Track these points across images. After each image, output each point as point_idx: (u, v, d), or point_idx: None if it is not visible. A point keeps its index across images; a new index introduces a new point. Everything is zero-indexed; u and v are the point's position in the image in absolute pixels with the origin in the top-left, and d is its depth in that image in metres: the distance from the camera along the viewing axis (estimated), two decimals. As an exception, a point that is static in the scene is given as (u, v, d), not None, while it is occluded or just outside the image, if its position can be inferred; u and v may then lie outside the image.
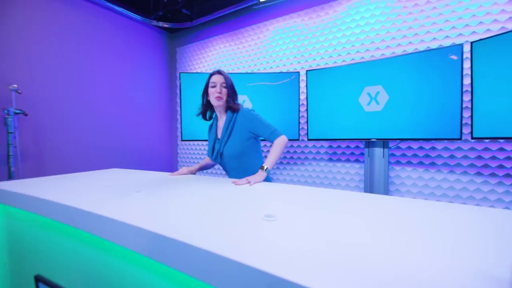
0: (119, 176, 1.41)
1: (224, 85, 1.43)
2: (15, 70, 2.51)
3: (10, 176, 2.29)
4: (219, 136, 1.49)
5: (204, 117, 1.55)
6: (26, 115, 2.41)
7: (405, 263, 0.41)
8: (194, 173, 1.55)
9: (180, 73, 2.72)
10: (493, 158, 2.09)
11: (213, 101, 1.44)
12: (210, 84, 1.43)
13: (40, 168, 2.67)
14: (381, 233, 0.55)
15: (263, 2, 2.75)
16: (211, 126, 1.60)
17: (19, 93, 2.38)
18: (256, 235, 0.54)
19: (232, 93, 1.46)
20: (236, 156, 1.42)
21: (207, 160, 1.66)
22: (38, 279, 0.64)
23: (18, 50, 2.53)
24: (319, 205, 0.81)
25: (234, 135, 1.42)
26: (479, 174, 2.15)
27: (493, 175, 2.09)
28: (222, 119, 1.50)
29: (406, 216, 0.68)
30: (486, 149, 2.11)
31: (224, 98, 1.43)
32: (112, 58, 3.40)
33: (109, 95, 3.35)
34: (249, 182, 1.14)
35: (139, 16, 3.60)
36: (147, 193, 0.95)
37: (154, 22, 3.75)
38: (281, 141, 1.37)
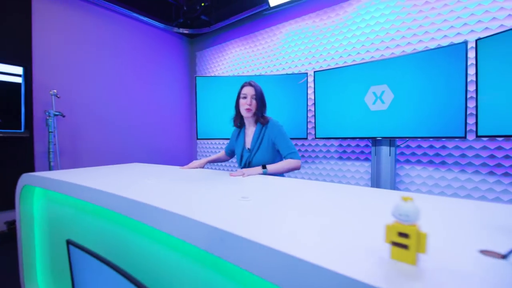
0: (137, 169, 1.62)
1: (254, 97, 1.50)
2: (55, 77, 2.86)
3: (50, 169, 2.63)
4: (248, 145, 1.59)
5: (236, 125, 1.67)
6: (63, 116, 2.75)
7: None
8: (203, 166, 1.71)
9: (196, 76, 2.93)
10: (507, 157, 2.04)
11: (243, 112, 1.53)
12: (241, 95, 1.52)
13: (75, 162, 3.01)
14: (341, 216, 0.66)
15: (273, 7, 2.87)
16: (238, 133, 1.68)
17: (58, 97, 2.72)
18: (229, 211, 0.68)
19: (261, 105, 1.53)
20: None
21: (221, 154, 1.81)
22: (69, 242, 0.82)
23: (57, 60, 2.89)
24: (293, 191, 0.93)
25: (263, 146, 1.52)
26: (491, 173, 2.10)
27: (506, 174, 2.03)
28: (250, 129, 1.60)
29: (372, 203, 0.78)
30: (499, 147, 2.06)
31: (253, 110, 1.51)
32: (138, 63, 3.70)
33: (136, 98, 3.66)
34: (243, 174, 1.28)
35: (161, 24, 3.88)
36: (155, 181, 1.12)
37: (175, 29, 4.02)
38: (293, 161, 1.44)
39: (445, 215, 0.64)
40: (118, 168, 1.65)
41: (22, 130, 2.49)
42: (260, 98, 1.52)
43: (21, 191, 1.38)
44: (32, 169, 2.64)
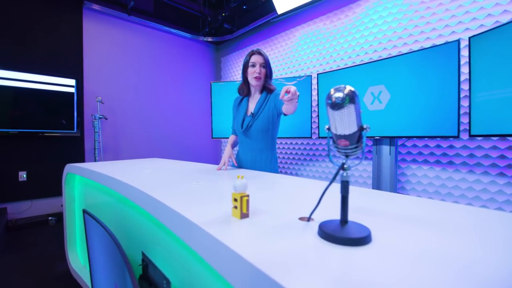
0: (154, 163, 1.96)
1: (264, 65, 1.49)
2: (100, 86, 3.43)
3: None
4: (251, 110, 1.58)
5: (241, 93, 1.65)
6: (106, 119, 3.29)
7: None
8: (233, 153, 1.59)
9: (211, 82, 3.24)
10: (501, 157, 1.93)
11: (252, 80, 1.51)
12: (250, 64, 1.50)
13: (116, 157, 3.56)
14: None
15: (281, 15, 3.04)
16: (241, 100, 1.67)
17: (102, 103, 3.27)
18: (181, 191, 0.92)
19: (270, 73, 1.54)
20: (262, 130, 1.52)
21: (232, 138, 1.74)
22: (84, 211, 1.15)
23: (102, 72, 3.46)
24: (266, 184, 1.13)
25: (265, 113, 1.52)
26: (502, 174, 2.00)
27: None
28: (255, 96, 1.59)
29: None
30: (510, 147, 1.95)
31: (263, 78, 1.51)
32: (170, 70, 4.18)
33: (167, 101, 4.14)
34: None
35: (190, 34, 4.31)
36: (153, 171, 1.42)
37: (202, 38, 4.42)
38: None
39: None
40: (136, 162, 2.01)
41: (75, 130, 3.07)
42: (268, 66, 1.53)
43: (65, 178, 1.81)
44: (82, 162, 3.23)
